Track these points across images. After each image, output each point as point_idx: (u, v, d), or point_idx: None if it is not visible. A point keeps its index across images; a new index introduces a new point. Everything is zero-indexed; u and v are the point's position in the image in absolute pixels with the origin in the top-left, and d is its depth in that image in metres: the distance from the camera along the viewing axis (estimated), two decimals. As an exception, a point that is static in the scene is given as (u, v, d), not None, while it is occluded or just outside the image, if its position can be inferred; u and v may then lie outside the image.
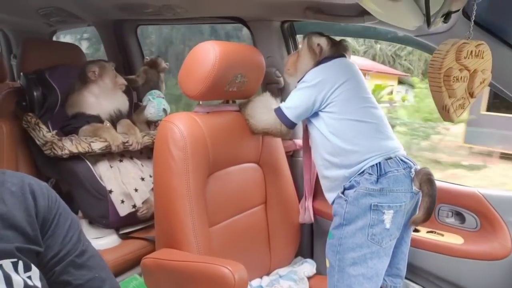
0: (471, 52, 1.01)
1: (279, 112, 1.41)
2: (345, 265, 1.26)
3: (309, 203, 1.66)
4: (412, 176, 1.26)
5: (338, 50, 1.45)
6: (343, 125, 1.34)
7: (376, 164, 1.27)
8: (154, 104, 1.95)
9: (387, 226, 1.23)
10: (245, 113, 1.50)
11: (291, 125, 1.41)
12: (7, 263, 0.64)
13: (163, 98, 2.01)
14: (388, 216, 1.23)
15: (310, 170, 1.64)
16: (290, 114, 1.39)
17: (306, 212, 1.66)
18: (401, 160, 1.29)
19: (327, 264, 1.33)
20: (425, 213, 1.25)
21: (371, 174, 1.26)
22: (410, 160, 1.31)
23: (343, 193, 1.31)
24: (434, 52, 1.01)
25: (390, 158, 1.28)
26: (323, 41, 1.43)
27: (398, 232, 1.27)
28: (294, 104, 1.39)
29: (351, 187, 1.29)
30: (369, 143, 1.31)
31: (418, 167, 1.30)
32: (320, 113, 1.37)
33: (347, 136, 1.32)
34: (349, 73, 1.38)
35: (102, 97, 1.82)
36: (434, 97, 1.03)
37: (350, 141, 1.32)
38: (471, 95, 1.06)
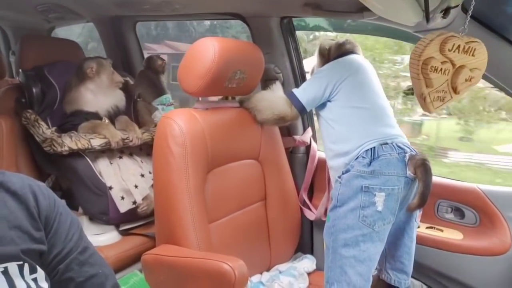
0: (458, 46, 1.00)
1: (291, 95, 1.46)
2: (337, 246, 1.29)
3: (324, 199, 1.67)
4: (406, 160, 1.27)
5: (343, 49, 1.53)
6: (345, 112, 1.39)
7: (371, 148, 1.30)
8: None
9: (379, 208, 1.24)
10: (252, 100, 1.52)
11: (301, 108, 1.44)
12: (13, 266, 0.64)
13: (172, 105, 2.02)
14: (379, 199, 1.24)
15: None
16: (301, 96, 1.43)
17: (320, 208, 1.68)
18: (398, 146, 1.30)
19: (324, 246, 1.35)
20: (419, 198, 1.25)
21: (364, 158, 1.29)
22: (408, 147, 1.32)
23: (340, 177, 1.34)
24: (419, 40, 1.01)
25: (386, 143, 1.30)
26: (331, 43, 1.56)
27: (392, 217, 1.26)
28: (305, 87, 1.46)
29: (347, 171, 1.32)
30: (365, 128, 1.34)
31: (415, 153, 1.30)
32: (327, 103, 1.43)
33: (346, 122, 1.37)
34: (356, 67, 1.45)
35: (99, 94, 1.82)
36: (413, 84, 1.05)
37: (348, 126, 1.36)
38: (455, 90, 1.06)
